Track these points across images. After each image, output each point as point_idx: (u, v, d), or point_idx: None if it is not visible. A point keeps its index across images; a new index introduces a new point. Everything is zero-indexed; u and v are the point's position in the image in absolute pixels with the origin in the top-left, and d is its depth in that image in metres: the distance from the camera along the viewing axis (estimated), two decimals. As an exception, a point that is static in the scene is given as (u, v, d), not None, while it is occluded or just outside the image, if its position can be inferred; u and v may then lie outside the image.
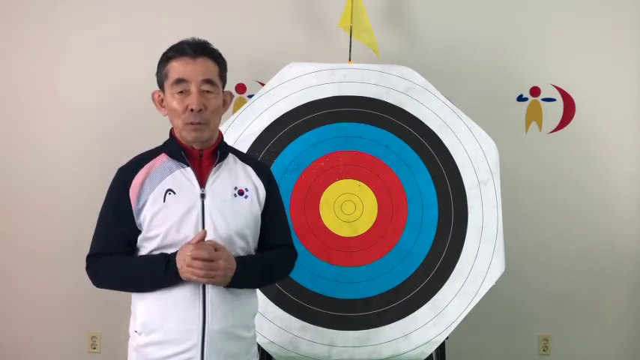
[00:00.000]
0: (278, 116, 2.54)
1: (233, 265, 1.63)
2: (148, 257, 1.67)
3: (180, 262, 1.60)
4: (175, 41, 1.75)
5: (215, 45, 1.77)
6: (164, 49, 1.76)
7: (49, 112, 3.18)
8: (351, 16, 2.77)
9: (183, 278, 1.61)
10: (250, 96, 2.97)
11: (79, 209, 3.15)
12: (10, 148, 3.19)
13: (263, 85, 2.67)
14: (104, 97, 3.17)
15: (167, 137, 1.79)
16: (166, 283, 1.63)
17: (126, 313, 2.98)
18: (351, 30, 2.79)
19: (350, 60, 2.76)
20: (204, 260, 1.58)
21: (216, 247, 1.62)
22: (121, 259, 1.69)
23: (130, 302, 1.76)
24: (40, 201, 3.17)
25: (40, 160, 3.18)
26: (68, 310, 3.17)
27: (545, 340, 3.23)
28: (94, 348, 3.18)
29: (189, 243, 1.61)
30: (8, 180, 3.18)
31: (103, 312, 3.15)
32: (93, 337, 3.18)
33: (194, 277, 1.60)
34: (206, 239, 1.63)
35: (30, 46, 3.18)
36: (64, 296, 3.17)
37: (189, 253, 1.59)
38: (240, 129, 2.51)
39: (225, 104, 1.77)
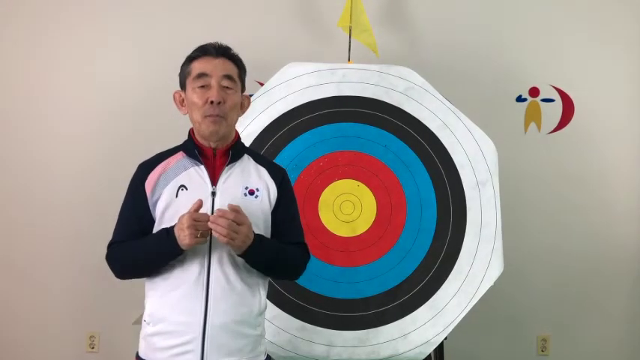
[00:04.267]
0: (277, 116, 2.54)
1: (252, 235, 1.67)
2: (152, 234, 1.73)
3: (178, 230, 1.64)
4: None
5: (214, 45, 1.79)
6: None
7: (48, 113, 3.18)
8: (351, 16, 2.77)
9: (182, 246, 1.63)
10: (250, 96, 2.97)
11: (78, 209, 3.15)
12: (10, 149, 3.19)
13: (262, 84, 2.67)
14: (103, 99, 3.17)
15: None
16: (169, 254, 1.67)
17: (125, 312, 3.01)
18: (350, 30, 2.79)
19: (349, 60, 2.76)
20: (230, 220, 1.61)
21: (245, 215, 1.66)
22: (130, 242, 1.75)
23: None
24: (39, 200, 3.17)
25: (39, 161, 3.18)
26: (67, 310, 3.17)
27: (544, 340, 3.23)
28: (93, 347, 3.18)
29: (190, 211, 1.64)
30: (7, 179, 3.18)
31: (102, 312, 3.16)
32: (91, 336, 3.18)
33: (216, 234, 1.62)
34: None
35: (29, 46, 3.18)
36: (63, 296, 3.17)
37: (187, 218, 1.61)
38: (239, 129, 2.49)
39: (242, 107, 1.84)
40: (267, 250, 1.73)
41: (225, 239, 1.63)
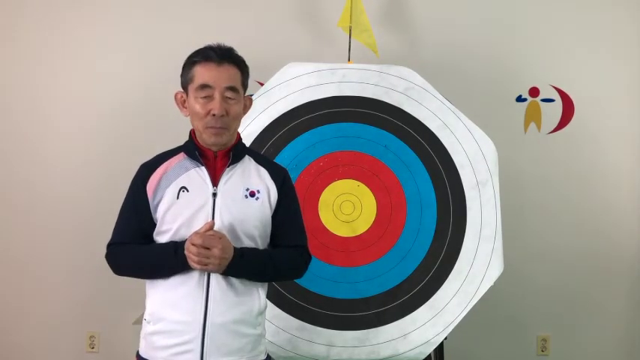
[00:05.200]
0: (277, 116, 2.54)
1: (229, 254, 1.67)
2: (160, 244, 1.74)
3: (188, 252, 1.66)
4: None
5: (214, 45, 1.79)
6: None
7: (49, 111, 3.19)
8: (351, 16, 2.77)
9: (192, 267, 1.66)
10: (249, 96, 2.97)
11: (79, 209, 3.15)
12: (11, 147, 3.19)
13: (262, 84, 2.67)
14: (104, 97, 3.18)
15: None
16: (175, 269, 1.69)
17: (125, 313, 3.01)
18: (350, 30, 2.79)
19: (349, 60, 2.76)
20: (199, 247, 1.63)
21: (219, 236, 1.66)
22: (135, 247, 1.76)
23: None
24: (39, 200, 3.17)
25: (40, 161, 3.18)
26: (67, 310, 3.17)
27: (544, 340, 3.24)
28: (93, 347, 3.18)
29: (196, 232, 1.66)
30: (8, 179, 3.18)
31: (102, 312, 3.16)
32: (91, 336, 3.18)
33: (191, 263, 1.65)
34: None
35: (31, 45, 3.18)
36: (63, 296, 3.17)
37: (198, 248, 1.64)
38: (240, 129, 2.50)
39: (245, 108, 1.84)
40: (250, 264, 1.72)
41: (198, 266, 1.65)
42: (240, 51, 1.83)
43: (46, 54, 3.18)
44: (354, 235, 2.48)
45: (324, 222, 2.48)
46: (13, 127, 3.19)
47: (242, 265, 1.70)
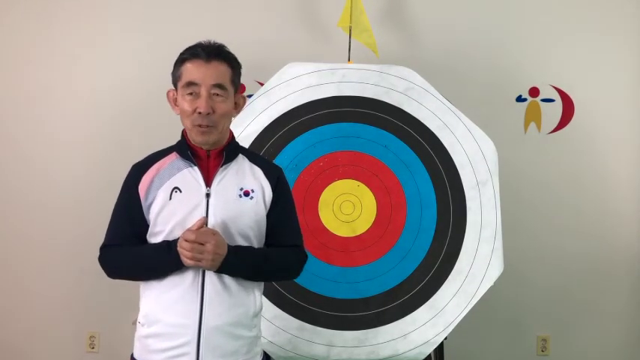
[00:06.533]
0: (277, 116, 2.54)
1: (223, 251, 1.65)
2: (153, 244, 1.72)
3: (181, 249, 1.64)
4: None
5: (214, 44, 1.78)
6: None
7: (47, 117, 3.18)
8: (351, 16, 2.77)
9: (186, 264, 1.64)
10: (249, 96, 2.97)
11: (79, 209, 3.15)
12: (8, 152, 3.19)
13: (262, 84, 2.67)
14: (102, 102, 3.17)
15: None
16: (169, 268, 1.67)
17: (125, 313, 3.01)
18: (350, 30, 2.79)
19: (349, 60, 2.76)
20: (192, 242, 1.61)
21: (212, 232, 1.65)
22: (128, 248, 1.74)
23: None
24: (39, 200, 3.17)
25: (40, 160, 3.18)
26: (67, 310, 3.18)
27: (544, 340, 3.23)
28: (93, 347, 3.18)
29: (189, 228, 1.65)
30: (8, 179, 3.18)
31: (102, 312, 3.16)
32: (91, 336, 3.18)
33: (183, 259, 1.63)
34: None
35: (27, 50, 3.18)
36: (63, 296, 3.17)
37: (191, 243, 1.62)
38: (239, 129, 2.51)
39: (237, 107, 1.81)
40: (244, 262, 1.71)
41: (190, 262, 1.62)
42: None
43: (42, 57, 3.17)
44: (354, 235, 2.48)
45: (324, 222, 2.48)
46: (9, 133, 3.18)
47: (236, 262, 1.68)
